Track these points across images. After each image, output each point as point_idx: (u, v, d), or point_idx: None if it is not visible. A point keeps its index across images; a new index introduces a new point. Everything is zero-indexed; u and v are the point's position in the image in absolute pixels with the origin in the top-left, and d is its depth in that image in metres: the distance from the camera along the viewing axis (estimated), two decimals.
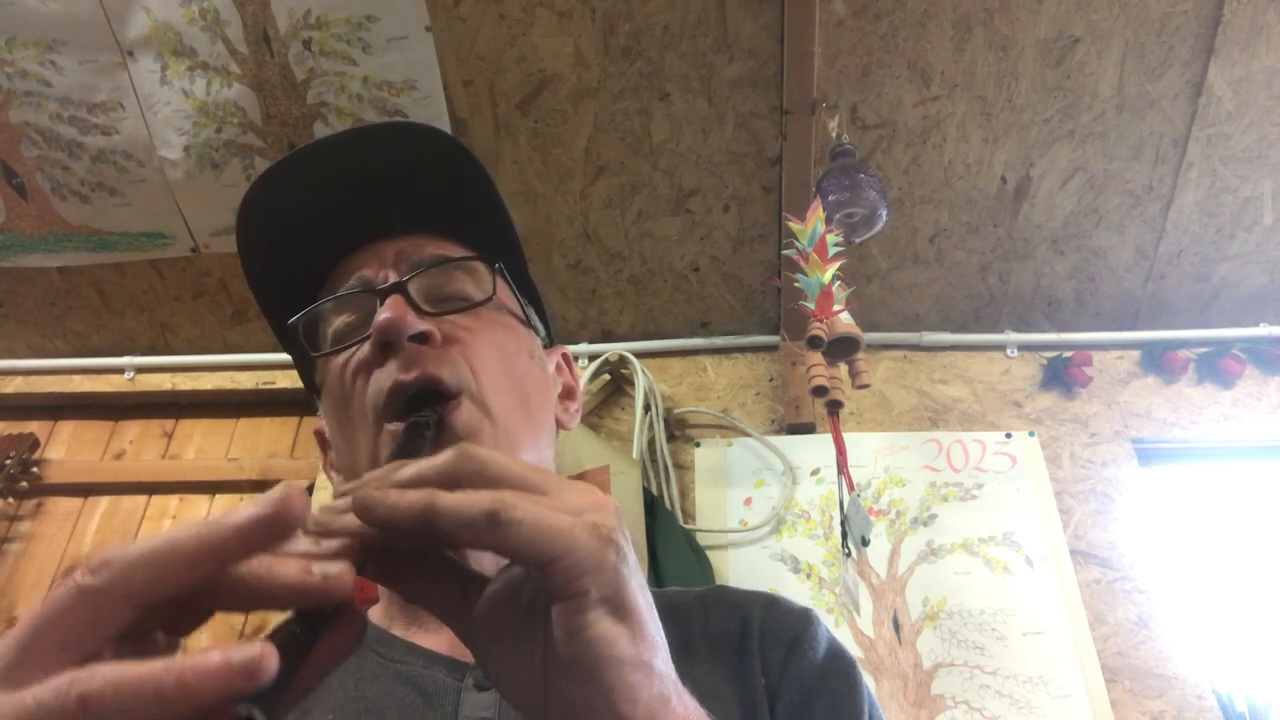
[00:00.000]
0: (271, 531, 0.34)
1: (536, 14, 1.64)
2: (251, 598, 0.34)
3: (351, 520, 0.37)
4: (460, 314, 0.66)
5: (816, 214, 1.36)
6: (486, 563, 0.61)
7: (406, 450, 0.52)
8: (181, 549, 0.33)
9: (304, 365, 0.71)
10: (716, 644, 0.64)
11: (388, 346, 0.61)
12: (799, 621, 0.66)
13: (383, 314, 0.60)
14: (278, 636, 0.33)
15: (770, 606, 0.67)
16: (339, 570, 0.35)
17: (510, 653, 0.40)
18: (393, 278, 0.66)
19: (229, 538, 0.33)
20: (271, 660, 0.30)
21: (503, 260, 0.71)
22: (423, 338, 0.61)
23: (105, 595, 0.31)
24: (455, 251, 0.70)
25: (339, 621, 0.36)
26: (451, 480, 0.38)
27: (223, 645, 0.30)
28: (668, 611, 0.42)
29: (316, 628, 0.35)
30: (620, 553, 0.37)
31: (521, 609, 0.40)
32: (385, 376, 0.60)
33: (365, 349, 0.63)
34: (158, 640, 0.35)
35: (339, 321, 0.67)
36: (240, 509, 0.34)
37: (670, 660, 0.39)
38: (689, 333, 2.05)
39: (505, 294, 0.70)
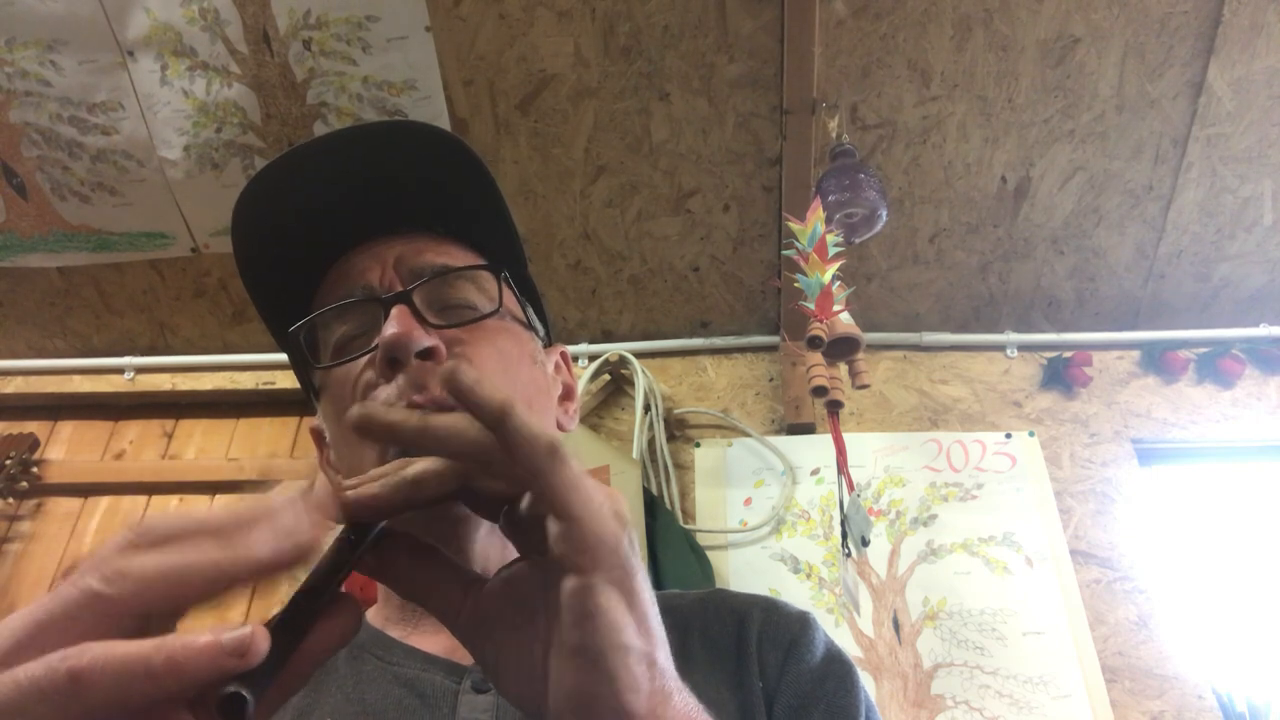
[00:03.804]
0: (296, 559, 0.34)
1: (536, 14, 1.64)
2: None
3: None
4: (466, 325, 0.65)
5: (816, 214, 1.36)
6: (486, 564, 0.61)
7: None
8: (201, 575, 0.32)
9: (302, 367, 0.71)
10: (715, 647, 0.64)
11: (394, 363, 0.60)
12: (797, 625, 0.66)
13: (389, 328, 0.59)
14: (272, 622, 0.34)
15: (769, 610, 0.67)
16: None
17: (510, 649, 0.40)
18: (397, 286, 0.65)
19: (245, 573, 0.33)
20: (262, 642, 0.30)
21: (503, 259, 0.71)
22: (429, 354, 0.60)
23: (116, 605, 0.31)
24: (456, 253, 0.70)
25: (334, 609, 0.37)
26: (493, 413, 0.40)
27: (214, 626, 0.30)
28: (667, 614, 0.42)
29: (312, 613, 0.35)
30: (632, 544, 0.39)
31: (521, 605, 0.41)
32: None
33: (371, 364, 0.62)
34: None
35: (341, 330, 0.66)
36: (273, 523, 0.34)
37: (671, 658, 0.40)
38: (689, 333, 2.05)
39: (510, 300, 0.70)
